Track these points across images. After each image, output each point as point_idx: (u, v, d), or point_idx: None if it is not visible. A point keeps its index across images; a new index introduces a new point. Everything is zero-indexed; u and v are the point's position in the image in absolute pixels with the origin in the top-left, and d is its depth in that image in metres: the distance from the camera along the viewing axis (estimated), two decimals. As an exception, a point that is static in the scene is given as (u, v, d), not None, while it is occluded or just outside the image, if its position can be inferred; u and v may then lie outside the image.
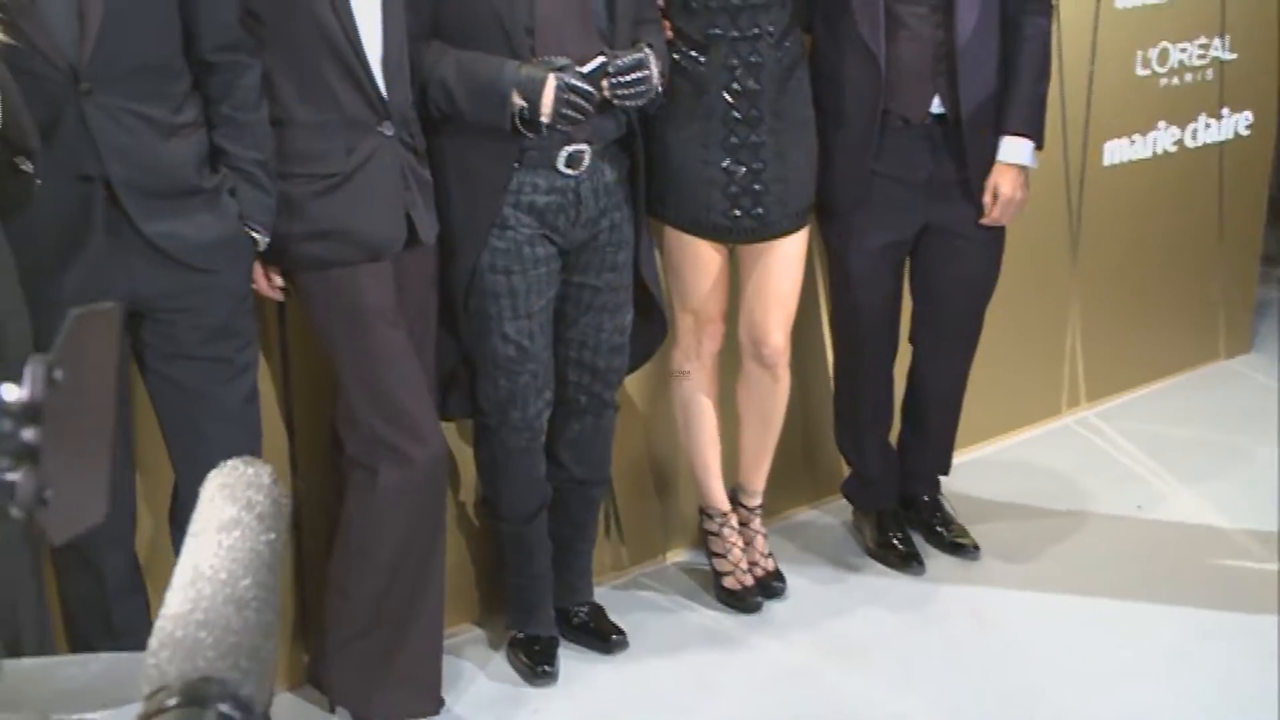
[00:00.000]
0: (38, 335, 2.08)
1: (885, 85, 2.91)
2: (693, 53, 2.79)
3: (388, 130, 2.43)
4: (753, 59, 2.78)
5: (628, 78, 2.56)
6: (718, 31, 2.77)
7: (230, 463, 1.12)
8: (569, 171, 2.63)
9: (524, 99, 2.49)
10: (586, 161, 2.64)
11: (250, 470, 1.09)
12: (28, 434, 0.61)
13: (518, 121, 2.52)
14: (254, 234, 2.33)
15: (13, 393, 0.62)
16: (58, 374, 0.63)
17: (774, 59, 2.81)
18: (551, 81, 2.48)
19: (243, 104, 2.31)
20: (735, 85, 2.79)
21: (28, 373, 0.63)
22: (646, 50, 2.60)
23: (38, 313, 2.08)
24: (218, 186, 2.27)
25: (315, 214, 2.42)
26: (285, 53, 2.37)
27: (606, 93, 2.55)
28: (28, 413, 0.61)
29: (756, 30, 2.78)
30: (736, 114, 2.80)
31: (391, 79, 2.43)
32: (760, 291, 2.97)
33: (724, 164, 2.82)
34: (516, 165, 2.59)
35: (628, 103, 2.59)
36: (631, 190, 2.77)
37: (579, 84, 2.50)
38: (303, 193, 2.41)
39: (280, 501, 1.07)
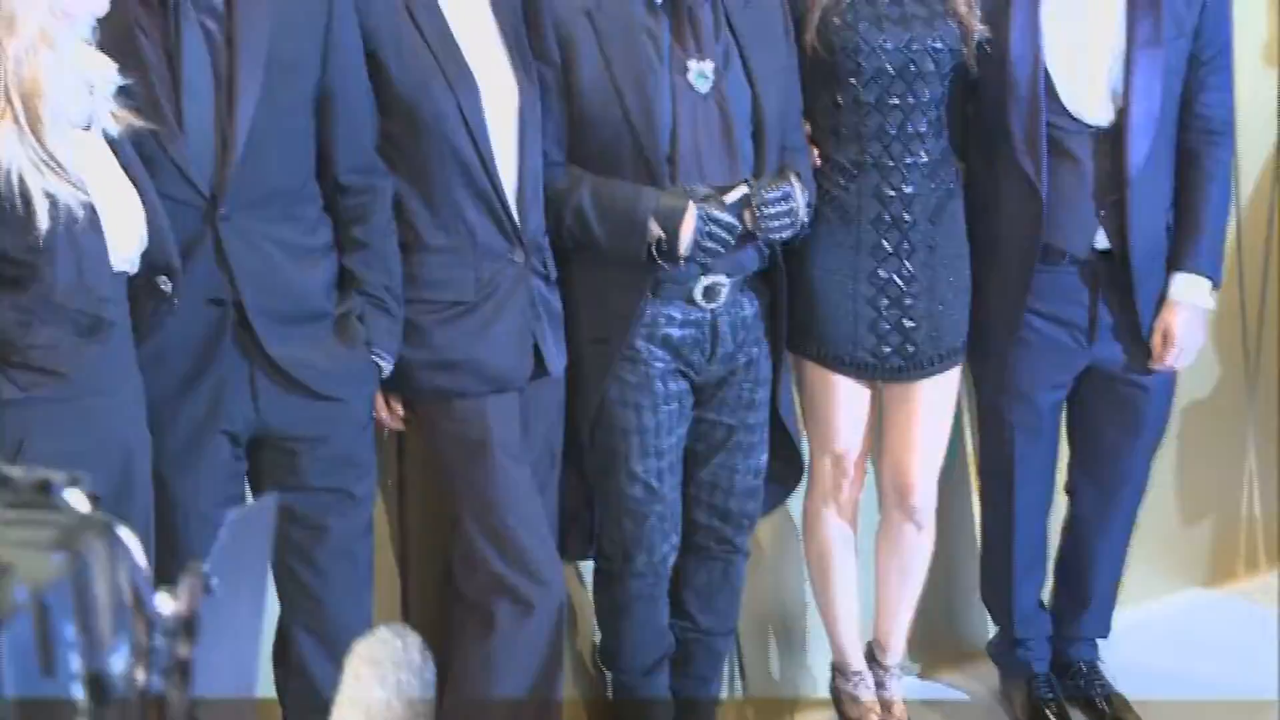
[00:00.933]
0: (157, 459, 2.14)
1: (1046, 218, 2.88)
2: (841, 181, 2.79)
3: (519, 258, 2.47)
4: (905, 189, 2.78)
5: (772, 210, 2.56)
6: (869, 159, 2.77)
7: (381, 633, 1.12)
8: (706, 304, 2.63)
9: (662, 229, 2.52)
10: (725, 294, 2.64)
11: (399, 644, 1.10)
12: (182, 649, 0.62)
13: (654, 251, 2.55)
14: (379, 361, 2.38)
15: (168, 605, 0.63)
16: (214, 583, 0.64)
17: (927, 189, 2.80)
18: (692, 212, 2.50)
19: (374, 228, 2.38)
20: (886, 216, 2.79)
21: (183, 584, 0.64)
22: (793, 180, 2.61)
23: (159, 436, 2.15)
24: (346, 312, 2.34)
25: (440, 343, 2.46)
26: (418, 177, 2.44)
27: (749, 225, 2.56)
28: (183, 627, 0.62)
29: (910, 159, 2.78)
30: (886, 246, 2.80)
31: (526, 206, 2.48)
32: (906, 435, 2.93)
33: (872, 298, 2.81)
34: (650, 296, 2.61)
35: (771, 235, 2.60)
36: (771, 324, 2.77)
37: (721, 215, 2.51)
38: (428, 320, 2.46)
39: (430, 680, 1.07)
